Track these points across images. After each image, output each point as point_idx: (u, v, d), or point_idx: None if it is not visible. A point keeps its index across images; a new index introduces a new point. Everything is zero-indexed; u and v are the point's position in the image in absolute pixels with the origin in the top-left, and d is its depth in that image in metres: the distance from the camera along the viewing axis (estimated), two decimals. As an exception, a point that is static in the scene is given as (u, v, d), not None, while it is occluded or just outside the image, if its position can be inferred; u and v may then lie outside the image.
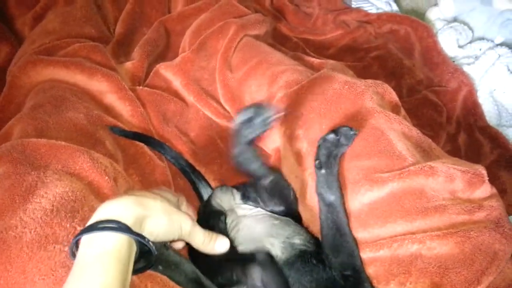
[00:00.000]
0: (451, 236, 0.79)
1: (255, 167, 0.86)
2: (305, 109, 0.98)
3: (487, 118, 1.40)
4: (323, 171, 0.83)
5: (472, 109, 1.40)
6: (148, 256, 0.67)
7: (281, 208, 0.93)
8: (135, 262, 0.64)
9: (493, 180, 1.25)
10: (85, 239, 0.60)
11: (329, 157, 0.84)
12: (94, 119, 0.95)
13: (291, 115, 0.98)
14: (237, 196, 0.98)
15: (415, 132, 0.96)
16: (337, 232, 0.81)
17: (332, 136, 0.84)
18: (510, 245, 0.81)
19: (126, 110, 1.06)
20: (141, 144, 1.02)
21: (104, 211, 0.63)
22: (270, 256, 0.80)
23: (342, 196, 0.84)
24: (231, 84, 1.16)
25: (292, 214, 0.93)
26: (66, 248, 0.67)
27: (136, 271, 0.66)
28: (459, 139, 1.34)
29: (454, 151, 1.30)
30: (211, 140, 1.14)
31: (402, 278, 0.79)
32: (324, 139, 0.84)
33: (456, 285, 0.75)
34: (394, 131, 0.91)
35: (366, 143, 0.89)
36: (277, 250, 0.82)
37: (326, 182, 0.82)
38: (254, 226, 0.87)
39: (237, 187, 1.00)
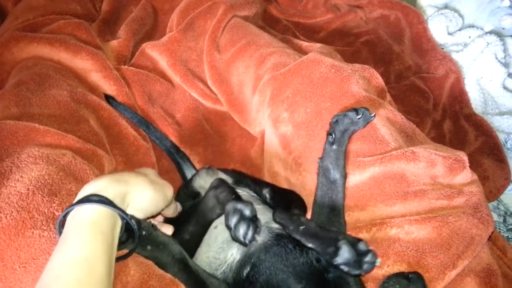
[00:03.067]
0: (430, 221, 0.80)
1: None
2: (291, 92, 0.97)
3: (473, 106, 1.41)
4: (334, 146, 0.83)
5: (459, 96, 1.41)
6: (132, 233, 0.67)
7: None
8: (123, 242, 0.64)
9: (476, 167, 1.28)
10: (69, 216, 0.60)
11: (344, 134, 0.84)
12: (78, 97, 0.94)
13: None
14: (228, 178, 0.98)
15: (399, 117, 0.96)
16: (331, 211, 0.82)
17: (353, 113, 0.83)
18: (487, 230, 0.83)
19: (111, 90, 1.05)
20: (125, 124, 1.01)
21: (86, 190, 0.63)
22: (220, 179, 0.87)
23: (346, 176, 0.84)
24: (218, 65, 1.15)
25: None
26: (46, 233, 0.65)
27: (121, 258, 0.65)
28: (444, 126, 1.35)
29: (439, 138, 1.32)
30: (197, 122, 1.14)
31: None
32: (344, 114, 0.83)
33: (432, 269, 0.77)
34: (379, 116, 0.92)
35: (350, 127, 0.90)
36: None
37: (335, 158, 0.82)
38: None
39: (224, 171, 1.00)
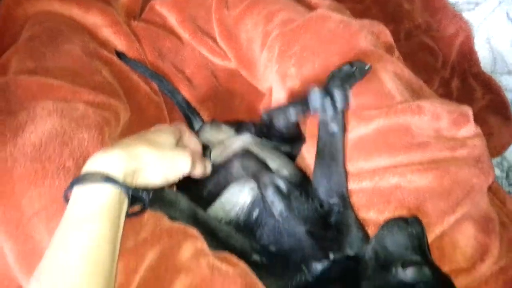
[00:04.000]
0: (431, 171, 0.83)
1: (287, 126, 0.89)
2: (299, 48, 0.98)
3: (482, 65, 1.41)
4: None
5: (468, 55, 1.41)
6: (142, 202, 0.68)
7: (286, 149, 0.97)
8: (130, 206, 0.65)
9: (481, 124, 1.27)
10: (75, 192, 0.60)
11: (341, 87, 0.84)
12: (90, 51, 0.96)
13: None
14: (229, 130, 1.02)
15: (407, 73, 0.98)
16: (331, 161, 0.85)
17: (348, 67, 0.84)
18: (487, 180, 0.86)
19: (121, 45, 1.07)
20: (137, 79, 1.04)
21: (95, 163, 0.62)
22: (245, 150, 0.87)
23: (344, 129, 0.86)
24: (227, 22, 1.15)
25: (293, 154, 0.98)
26: (56, 183, 0.68)
27: (130, 215, 0.66)
28: (452, 84, 1.36)
29: (447, 95, 1.33)
30: (207, 78, 1.16)
31: (381, 207, 0.84)
32: (339, 69, 0.85)
33: (431, 214, 0.81)
34: (386, 71, 0.93)
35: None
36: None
37: (333, 112, 0.84)
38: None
39: (229, 124, 1.03)
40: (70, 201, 0.59)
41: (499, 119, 1.28)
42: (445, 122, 0.89)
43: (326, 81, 0.86)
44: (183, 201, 0.78)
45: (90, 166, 0.62)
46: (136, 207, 0.68)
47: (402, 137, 0.86)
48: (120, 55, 1.06)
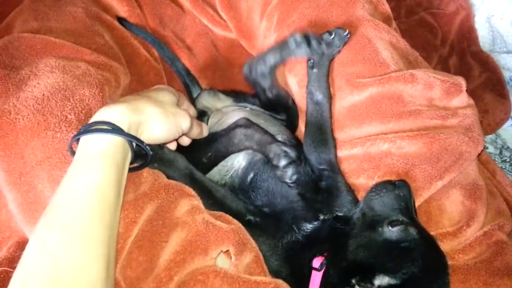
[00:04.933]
0: (421, 137, 0.85)
1: (267, 80, 0.91)
2: (297, 17, 1.00)
3: (481, 44, 1.42)
4: (315, 70, 0.87)
5: (467, 33, 1.41)
6: (143, 156, 0.71)
7: (282, 116, 1.00)
8: (131, 162, 0.67)
9: (477, 101, 1.29)
10: (82, 140, 0.62)
11: (322, 57, 0.87)
12: (92, 14, 0.98)
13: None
14: (226, 99, 1.04)
15: (403, 43, 0.99)
16: (319, 129, 0.88)
17: (326, 35, 0.86)
18: (476, 148, 0.88)
19: (123, 11, 1.08)
20: (137, 45, 1.05)
21: (101, 115, 0.64)
22: (247, 119, 0.89)
23: (330, 97, 0.89)
24: (227, -9, 1.17)
25: (290, 122, 1.00)
26: (58, 135, 0.70)
27: (131, 169, 0.69)
28: (450, 62, 1.37)
29: (443, 71, 1.34)
30: (207, 47, 1.18)
31: (371, 173, 0.86)
32: (320, 38, 0.86)
33: (419, 179, 0.83)
34: (382, 40, 0.95)
35: (352, 50, 0.93)
36: None
37: (317, 81, 0.86)
38: (239, 122, 0.93)
39: (226, 93, 1.06)
40: (78, 148, 0.61)
41: (495, 96, 1.30)
42: (437, 92, 0.91)
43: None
44: (181, 161, 0.81)
45: (97, 117, 0.64)
46: (137, 163, 0.71)
47: (394, 105, 0.88)
48: (121, 20, 1.08)
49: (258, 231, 0.80)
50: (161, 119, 0.70)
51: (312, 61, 0.87)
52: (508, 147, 1.33)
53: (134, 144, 0.66)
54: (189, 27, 1.19)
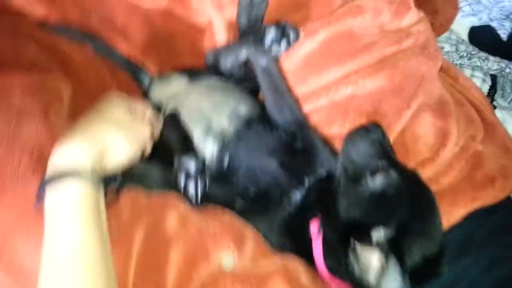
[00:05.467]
0: (381, 70, 0.85)
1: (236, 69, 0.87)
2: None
3: None
4: (249, 37, 0.83)
5: None
6: (113, 179, 0.67)
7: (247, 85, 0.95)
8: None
9: (425, 2, 1.28)
10: (50, 197, 0.57)
11: (250, 20, 0.83)
12: (7, 29, 0.88)
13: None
14: (180, 79, 0.99)
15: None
16: (276, 94, 0.85)
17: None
18: (436, 65, 0.88)
19: (40, 11, 0.98)
20: (67, 47, 0.97)
21: (60, 161, 0.59)
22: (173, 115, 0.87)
23: (274, 58, 0.85)
24: (143, -43, 1.05)
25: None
26: (19, 187, 0.63)
27: (107, 200, 0.64)
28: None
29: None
30: (141, 24, 1.08)
31: (341, 120, 0.86)
32: (239, 3, 0.82)
33: (389, 114, 0.84)
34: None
35: (293, -3, 0.88)
36: (225, 123, 0.86)
37: (255, 48, 0.82)
38: (199, 104, 0.90)
39: (177, 73, 1.00)
40: (46, 208, 0.57)
41: (441, -8, 1.27)
42: (387, 16, 0.88)
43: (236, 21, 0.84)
44: (154, 170, 0.79)
45: (56, 164, 0.59)
46: (110, 188, 0.67)
47: (347, 44, 0.86)
48: (41, 24, 0.98)
49: (251, 213, 0.80)
50: (123, 142, 0.66)
51: (242, 29, 0.84)
52: (462, 40, 1.34)
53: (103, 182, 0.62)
54: (116, 5, 1.07)
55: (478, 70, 1.22)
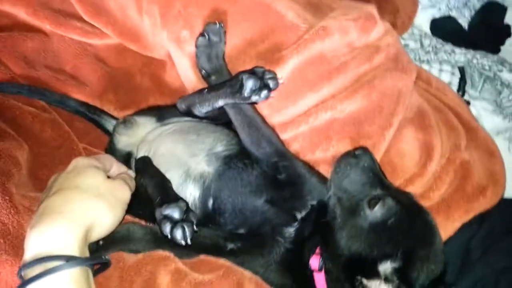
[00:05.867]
0: (358, 91, 0.81)
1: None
2: (181, 4, 0.85)
3: None
4: (213, 77, 0.80)
5: None
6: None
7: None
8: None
9: (385, 3, 1.26)
10: (37, 282, 0.54)
11: (211, 61, 0.80)
12: None
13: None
14: (147, 121, 0.92)
15: (301, -11, 0.89)
16: (250, 128, 0.81)
17: (200, 39, 0.80)
18: (411, 77, 0.86)
19: (-23, 70, 0.89)
20: (16, 104, 0.88)
21: (41, 244, 0.56)
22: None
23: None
24: (85, -6, 0.97)
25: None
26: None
27: (96, 273, 0.64)
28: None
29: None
30: (93, 66, 1.00)
31: (324, 145, 0.83)
32: (196, 45, 0.80)
33: (372, 135, 0.81)
34: (280, 0, 0.84)
35: (256, 25, 0.83)
36: (203, 165, 0.81)
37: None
38: (174, 150, 0.84)
39: (144, 113, 0.94)
40: None
41: (399, -11, 1.25)
42: (354, 34, 0.85)
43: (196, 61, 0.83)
44: (136, 230, 0.74)
45: (37, 247, 0.56)
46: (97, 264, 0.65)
47: (319, 68, 0.82)
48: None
49: (245, 256, 0.77)
50: (107, 213, 0.63)
51: (204, 70, 0.82)
52: (425, 33, 1.33)
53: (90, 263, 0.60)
54: (62, 51, 1.00)
55: (446, 63, 1.21)
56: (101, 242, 0.67)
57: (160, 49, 0.98)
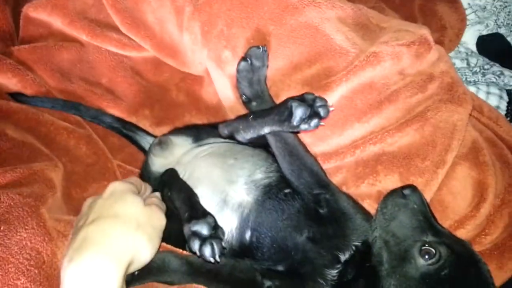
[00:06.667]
0: (409, 124, 0.76)
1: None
2: (224, 24, 0.82)
3: None
4: (253, 103, 0.76)
5: None
6: None
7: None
8: None
9: (431, 17, 1.20)
10: None
11: (252, 86, 0.76)
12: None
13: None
14: (184, 141, 0.89)
15: (349, 9, 0.84)
16: (291, 157, 0.76)
17: (242, 64, 0.76)
18: (467, 109, 0.80)
19: (12, 84, 0.87)
20: (51, 119, 0.86)
21: (82, 281, 0.54)
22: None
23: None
24: (124, 5, 0.93)
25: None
26: None
27: None
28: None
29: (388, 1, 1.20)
30: (129, 79, 0.97)
31: (371, 179, 0.78)
32: (237, 70, 0.76)
33: (424, 172, 0.76)
34: (329, 21, 0.80)
35: (302, 48, 0.78)
36: (243, 194, 0.77)
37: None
38: (210, 174, 0.80)
39: (180, 132, 0.90)
40: None
41: (446, 4, 1.19)
42: (407, 60, 0.80)
43: (237, 86, 0.80)
44: (172, 260, 0.70)
45: (76, 283, 0.54)
46: None
47: (369, 97, 0.77)
48: (17, 96, 0.86)
49: None
50: (144, 243, 0.62)
51: (244, 95, 0.78)
52: (472, 52, 1.26)
53: None
54: (97, 62, 0.97)
55: (494, 86, 1.14)
56: (136, 272, 0.64)
57: (198, 66, 0.94)
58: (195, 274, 0.71)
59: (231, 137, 0.77)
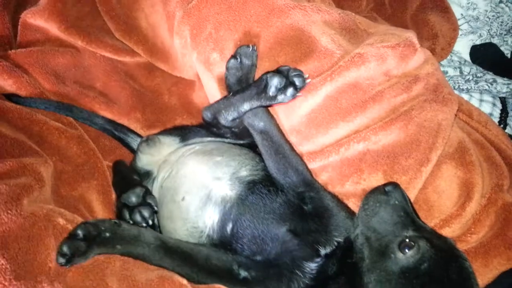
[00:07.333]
0: (394, 123, 0.77)
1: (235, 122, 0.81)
2: (212, 27, 0.84)
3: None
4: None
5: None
6: None
7: (245, 140, 0.88)
8: None
9: (423, 26, 1.21)
10: None
11: (240, 84, 0.77)
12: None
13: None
14: (171, 141, 0.90)
15: (336, 14, 0.86)
16: (277, 155, 0.77)
17: (232, 61, 0.78)
18: (452, 109, 0.81)
19: (8, 85, 0.89)
20: (43, 119, 0.87)
21: None
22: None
23: (272, 118, 0.78)
24: (118, 12, 0.97)
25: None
26: None
27: None
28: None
29: (379, 6, 1.22)
30: (122, 83, 1.00)
31: (355, 178, 0.78)
32: (226, 67, 0.78)
33: (408, 170, 0.76)
34: (314, 23, 0.81)
35: (288, 49, 0.80)
36: (226, 189, 0.78)
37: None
38: (196, 171, 0.81)
39: (168, 133, 0.92)
40: None
41: (438, 14, 1.20)
42: (391, 61, 0.81)
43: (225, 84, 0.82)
44: (147, 233, 0.71)
45: None
46: None
47: (354, 97, 0.78)
48: (11, 97, 0.89)
49: (259, 286, 0.72)
50: None
51: (231, 91, 0.79)
52: (465, 61, 1.27)
53: None
54: (92, 67, 0.99)
55: (487, 93, 1.15)
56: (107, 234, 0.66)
57: (189, 70, 0.96)
58: (168, 252, 0.70)
59: (214, 120, 0.78)
